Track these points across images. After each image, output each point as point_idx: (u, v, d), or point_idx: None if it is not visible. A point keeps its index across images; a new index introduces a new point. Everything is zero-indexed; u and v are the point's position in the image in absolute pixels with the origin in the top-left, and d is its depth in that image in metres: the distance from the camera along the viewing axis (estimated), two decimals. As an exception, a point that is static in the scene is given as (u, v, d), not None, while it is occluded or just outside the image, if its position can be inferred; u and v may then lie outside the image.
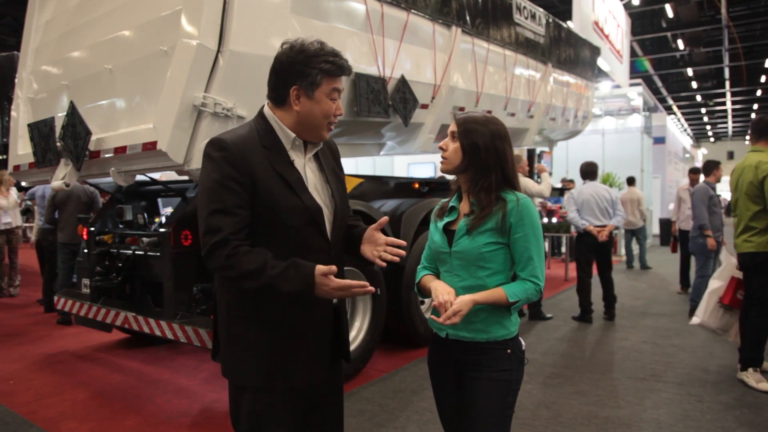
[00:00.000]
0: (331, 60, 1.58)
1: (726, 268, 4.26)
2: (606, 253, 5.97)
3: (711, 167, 6.20)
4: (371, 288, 1.54)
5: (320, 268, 1.49)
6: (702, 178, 6.44)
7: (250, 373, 1.60)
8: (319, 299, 1.58)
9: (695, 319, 4.41)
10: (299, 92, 1.58)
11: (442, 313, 1.59)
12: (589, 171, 6.10)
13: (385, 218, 1.69)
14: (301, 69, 1.56)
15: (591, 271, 6.07)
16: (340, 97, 1.66)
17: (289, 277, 1.48)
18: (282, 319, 1.60)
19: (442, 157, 1.77)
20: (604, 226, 5.80)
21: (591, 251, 5.95)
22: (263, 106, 1.67)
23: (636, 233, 10.26)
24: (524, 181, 5.68)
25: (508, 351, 1.72)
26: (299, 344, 1.62)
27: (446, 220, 1.80)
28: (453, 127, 1.76)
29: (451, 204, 1.82)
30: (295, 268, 1.49)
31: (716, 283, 4.27)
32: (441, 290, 1.66)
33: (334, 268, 1.50)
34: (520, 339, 1.78)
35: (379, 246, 1.67)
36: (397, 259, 1.64)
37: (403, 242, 1.68)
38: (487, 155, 1.70)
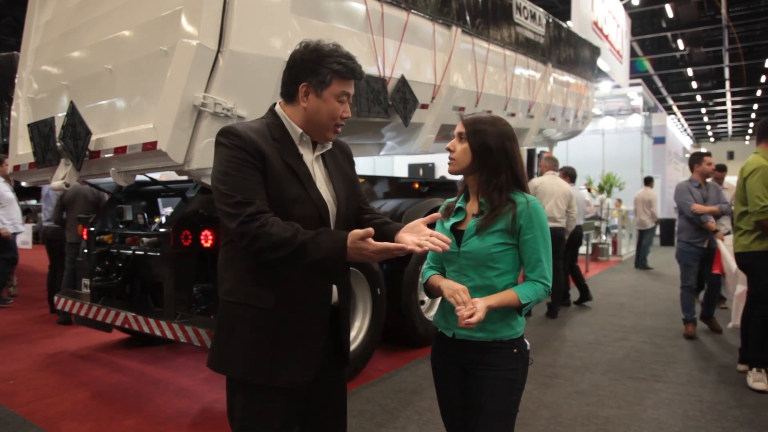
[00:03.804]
0: (343, 62, 1.59)
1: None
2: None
3: (692, 162, 5.32)
4: (415, 248, 1.45)
5: (356, 232, 1.44)
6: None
7: (236, 364, 1.59)
8: (314, 298, 1.59)
9: (730, 324, 4.48)
10: (308, 89, 1.60)
11: (459, 314, 1.57)
12: (575, 174, 6.93)
13: (437, 214, 1.66)
14: (312, 67, 1.58)
15: None
16: (350, 101, 1.67)
17: (321, 243, 1.46)
18: (273, 309, 1.58)
19: (450, 158, 1.76)
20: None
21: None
22: (275, 104, 1.70)
23: (643, 233, 10.24)
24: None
25: (515, 350, 1.73)
26: (288, 341, 1.60)
27: (453, 220, 1.80)
28: (460, 128, 1.76)
29: (457, 205, 1.82)
30: (327, 234, 1.48)
31: (741, 287, 4.43)
32: (455, 288, 1.64)
33: (371, 230, 1.44)
34: (525, 339, 1.79)
35: (423, 235, 1.54)
36: (439, 249, 1.48)
37: (448, 239, 1.53)
38: (498, 155, 1.70)
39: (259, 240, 1.47)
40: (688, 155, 27.11)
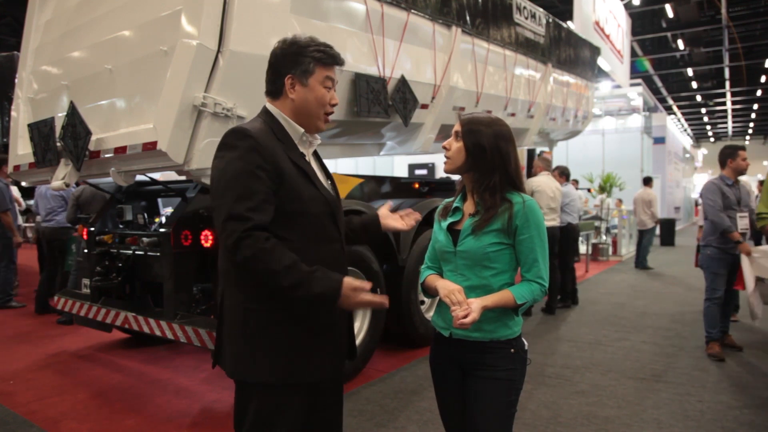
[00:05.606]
0: (322, 49, 1.65)
1: None
2: None
3: (725, 156, 4.63)
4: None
5: (351, 281, 1.52)
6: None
7: (265, 369, 1.58)
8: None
9: (756, 321, 4.18)
10: (293, 80, 1.64)
11: (454, 314, 1.57)
12: (569, 174, 6.99)
13: (390, 203, 1.93)
14: (294, 58, 1.63)
15: None
16: (335, 88, 1.71)
17: (319, 279, 1.50)
18: (309, 313, 1.59)
19: (446, 156, 1.77)
20: None
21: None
22: (265, 105, 1.71)
23: (643, 233, 10.26)
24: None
25: (512, 350, 1.73)
26: (323, 339, 1.64)
27: (450, 220, 1.80)
28: (457, 127, 1.77)
29: (455, 204, 1.83)
30: (323, 272, 1.52)
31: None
32: (450, 289, 1.64)
33: (368, 284, 1.55)
34: (523, 339, 1.79)
35: (398, 217, 1.91)
36: (413, 223, 1.93)
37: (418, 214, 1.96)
38: (491, 156, 1.70)
39: (258, 262, 1.46)
40: (688, 155, 27.20)
